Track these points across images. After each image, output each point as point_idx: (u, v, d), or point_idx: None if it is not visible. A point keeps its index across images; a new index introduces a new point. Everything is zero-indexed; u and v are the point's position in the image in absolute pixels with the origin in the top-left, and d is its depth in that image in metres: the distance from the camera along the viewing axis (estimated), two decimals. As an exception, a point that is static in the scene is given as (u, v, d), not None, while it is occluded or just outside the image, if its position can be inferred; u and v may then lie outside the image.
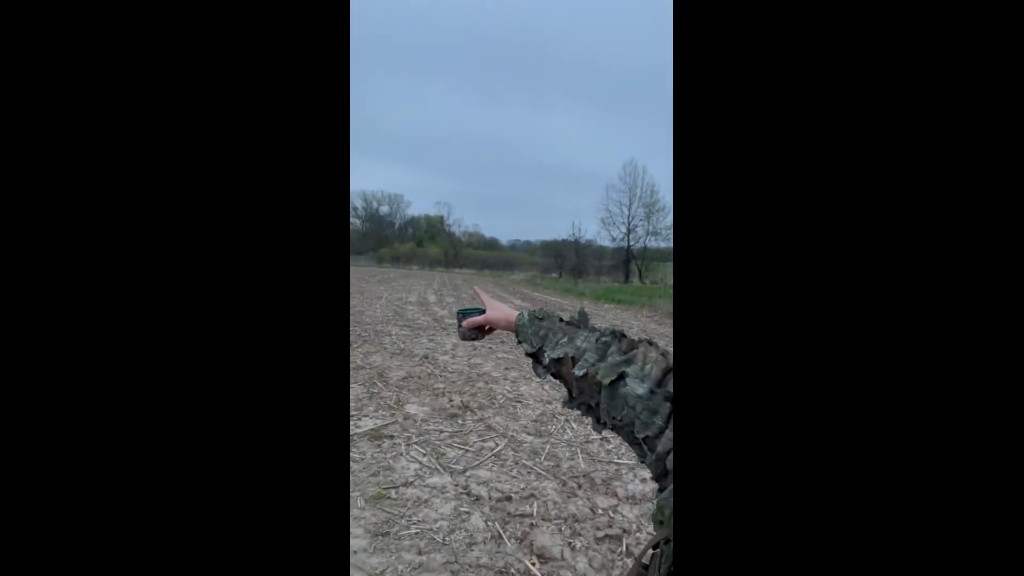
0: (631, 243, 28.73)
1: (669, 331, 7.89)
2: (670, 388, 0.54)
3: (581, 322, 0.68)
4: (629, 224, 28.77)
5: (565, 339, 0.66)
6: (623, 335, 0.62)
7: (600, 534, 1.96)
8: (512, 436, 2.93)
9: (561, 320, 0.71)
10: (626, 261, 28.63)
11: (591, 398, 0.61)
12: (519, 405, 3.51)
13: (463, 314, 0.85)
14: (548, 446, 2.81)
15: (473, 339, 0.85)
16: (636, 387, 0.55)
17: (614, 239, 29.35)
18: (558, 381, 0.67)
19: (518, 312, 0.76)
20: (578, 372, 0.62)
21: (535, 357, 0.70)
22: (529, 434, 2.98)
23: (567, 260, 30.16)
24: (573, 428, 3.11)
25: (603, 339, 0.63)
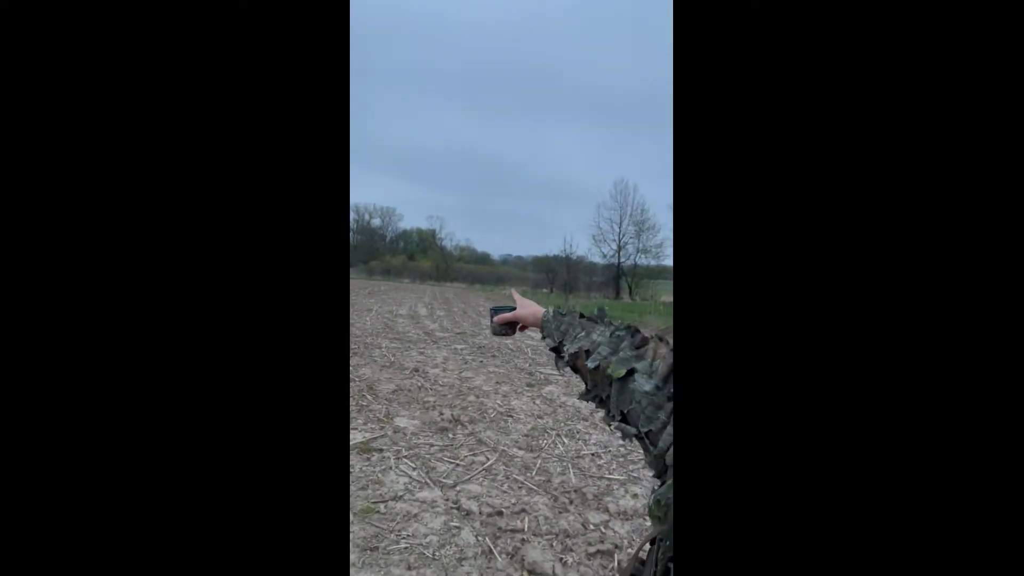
0: (621, 260, 28.95)
1: (659, 347, 7.88)
2: None
3: (599, 317, 0.71)
4: (619, 241, 29.03)
5: (583, 333, 0.69)
6: (637, 330, 0.64)
7: (592, 549, 1.94)
8: (503, 450, 2.90)
9: (581, 316, 0.74)
10: (616, 278, 28.78)
11: (603, 391, 0.63)
12: (510, 419, 3.49)
13: (495, 311, 0.90)
14: (539, 461, 2.79)
15: (504, 335, 0.90)
16: (643, 383, 0.57)
17: (604, 256, 29.55)
18: (577, 375, 0.70)
19: (544, 309, 0.80)
20: (591, 364, 0.64)
21: (556, 351, 0.73)
22: (520, 448, 2.96)
23: (558, 276, 30.25)
24: (564, 443, 3.09)
25: (617, 333, 0.65)
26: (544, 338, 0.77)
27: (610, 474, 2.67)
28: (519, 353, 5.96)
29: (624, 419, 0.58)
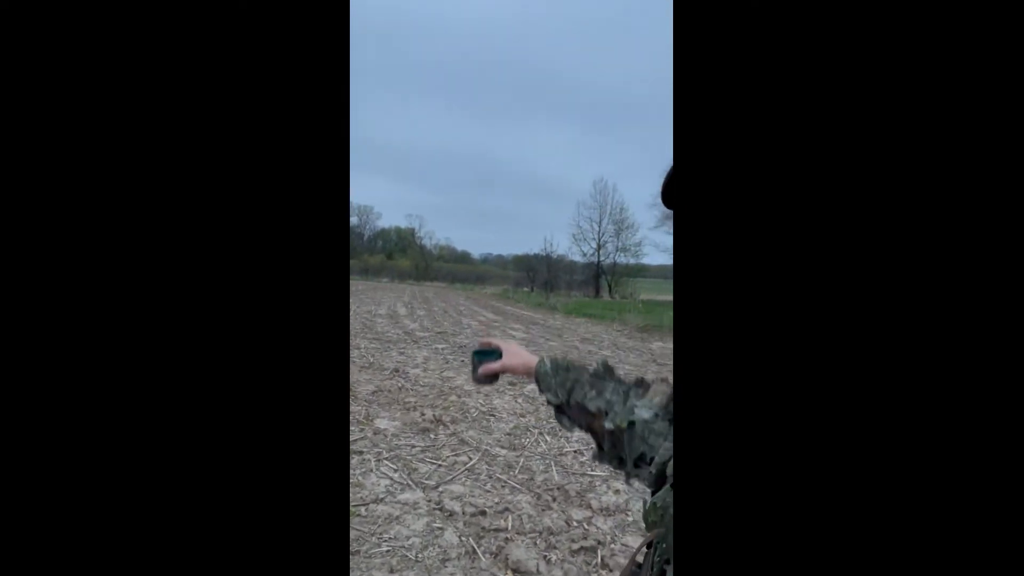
0: (601, 259, 29.27)
1: (639, 344, 8.02)
2: None
3: (607, 373, 0.68)
4: (599, 240, 29.35)
5: (594, 392, 0.65)
6: (642, 380, 0.64)
7: (575, 546, 1.96)
8: (486, 450, 2.90)
9: (587, 371, 0.69)
10: (596, 276, 29.09)
11: (622, 450, 0.61)
12: (492, 418, 3.49)
13: (479, 357, 0.82)
14: (522, 459, 2.80)
15: (488, 384, 0.82)
16: (643, 413, 0.58)
17: (584, 254, 29.84)
18: (589, 435, 0.66)
19: (538, 358, 0.74)
20: (608, 425, 0.62)
21: (559, 408, 0.68)
22: (503, 447, 2.96)
23: (539, 274, 30.41)
24: (547, 441, 3.10)
25: (629, 392, 0.64)
26: (542, 392, 0.70)
27: (592, 470, 2.70)
28: (500, 352, 5.95)
29: (636, 463, 0.59)
